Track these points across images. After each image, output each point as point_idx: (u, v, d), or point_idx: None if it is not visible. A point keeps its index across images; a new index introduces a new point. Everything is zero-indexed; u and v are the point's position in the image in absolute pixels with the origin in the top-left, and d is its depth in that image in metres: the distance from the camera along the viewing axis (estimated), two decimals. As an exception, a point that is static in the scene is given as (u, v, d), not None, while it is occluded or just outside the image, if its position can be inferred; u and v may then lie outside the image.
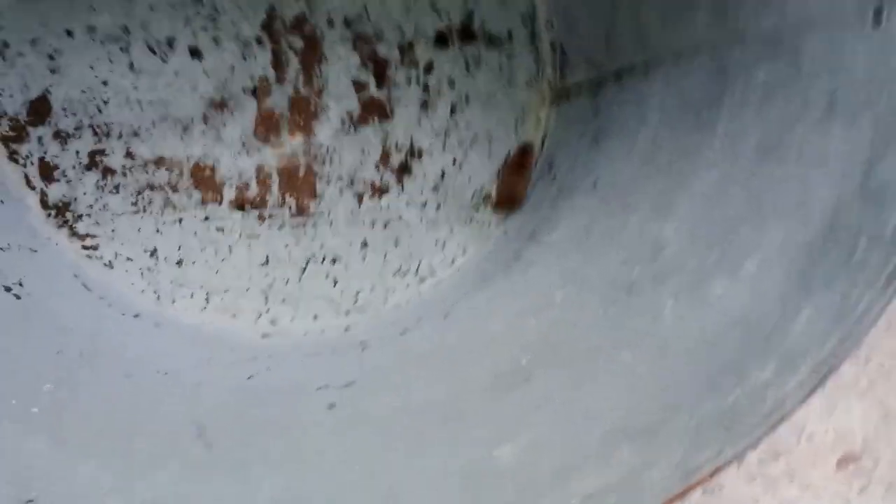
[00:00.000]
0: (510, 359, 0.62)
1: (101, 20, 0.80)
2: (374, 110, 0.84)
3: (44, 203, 0.79)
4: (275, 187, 0.82)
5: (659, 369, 0.54)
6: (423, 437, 0.58)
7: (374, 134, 0.84)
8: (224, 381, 0.71)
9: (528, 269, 0.74)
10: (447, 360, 0.68)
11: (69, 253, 0.79)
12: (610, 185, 0.72)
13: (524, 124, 0.85)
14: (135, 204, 0.80)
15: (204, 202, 0.81)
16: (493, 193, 0.84)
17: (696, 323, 0.55)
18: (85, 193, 0.80)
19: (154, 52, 0.81)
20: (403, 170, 0.84)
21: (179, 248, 0.81)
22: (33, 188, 0.79)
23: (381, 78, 0.84)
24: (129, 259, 0.80)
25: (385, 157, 0.84)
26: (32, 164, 0.79)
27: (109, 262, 0.80)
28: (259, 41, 0.82)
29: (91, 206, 0.80)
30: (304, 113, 0.83)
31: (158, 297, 0.80)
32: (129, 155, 0.80)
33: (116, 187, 0.80)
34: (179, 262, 0.81)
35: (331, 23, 0.83)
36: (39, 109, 0.79)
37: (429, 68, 0.84)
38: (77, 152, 0.80)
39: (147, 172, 0.81)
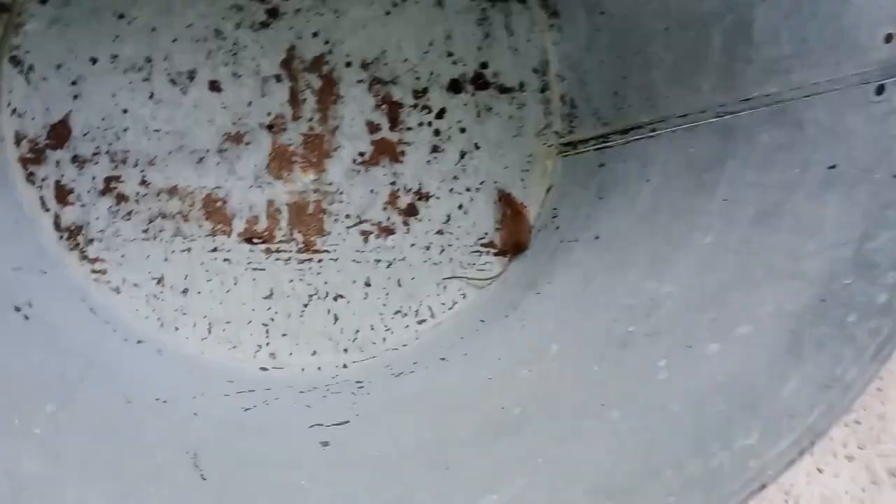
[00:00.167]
0: (501, 408, 0.63)
1: (126, 49, 0.82)
2: (385, 152, 0.85)
3: (57, 225, 0.81)
4: (284, 222, 0.84)
5: (645, 429, 0.54)
6: (410, 481, 0.59)
7: (383, 175, 0.85)
8: (220, 411, 0.71)
9: (525, 319, 0.75)
10: (439, 404, 0.68)
11: (78, 276, 0.80)
12: (610, 240, 0.73)
13: (531, 173, 0.86)
14: (145, 231, 0.82)
15: (213, 233, 0.83)
16: (497, 238, 0.85)
17: (685, 384, 0.55)
18: (97, 218, 0.81)
19: (175, 84, 0.83)
20: (410, 212, 0.85)
21: (186, 276, 0.82)
22: (47, 210, 0.81)
23: (394, 120, 0.85)
24: (135, 285, 0.81)
25: (393, 199, 0.85)
26: (48, 186, 0.81)
27: (117, 287, 0.81)
28: (278, 78, 0.84)
29: (102, 231, 0.81)
30: (317, 150, 0.84)
31: (162, 325, 0.81)
32: (143, 183, 0.82)
33: (129, 214, 0.82)
34: (185, 291, 0.82)
35: (349, 64, 0.85)
36: (59, 133, 0.81)
37: (441, 113, 0.85)
38: (93, 177, 0.81)
39: (160, 201, 0.82)
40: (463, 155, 0.86)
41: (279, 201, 0.84)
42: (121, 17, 0.82)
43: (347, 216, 0.84)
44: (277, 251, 0.83)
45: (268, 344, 0.82)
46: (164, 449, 0.62)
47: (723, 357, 0.55)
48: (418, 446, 0.62)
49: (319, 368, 0.81)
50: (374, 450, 0.63)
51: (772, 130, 0.61)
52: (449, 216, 0.85)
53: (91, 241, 0.81)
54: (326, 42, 0.84)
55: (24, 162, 0.80)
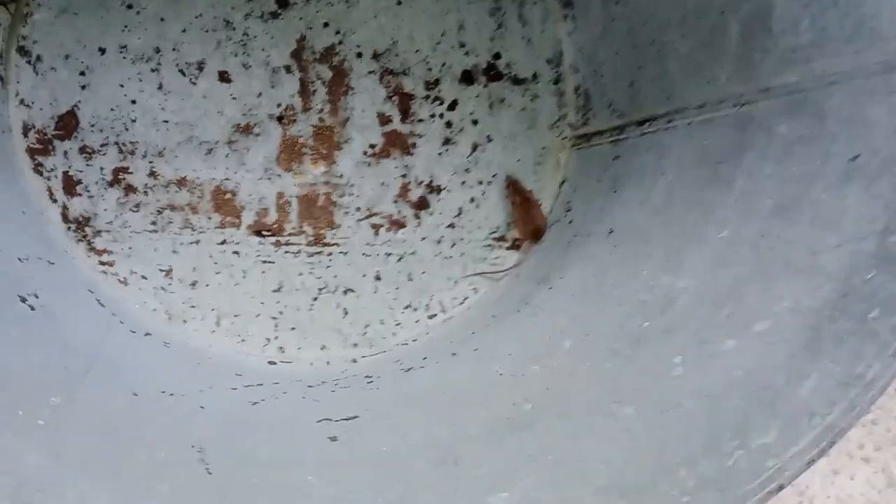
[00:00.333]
0: (512, 404, 0.62)
1: (134, 40, 0.81)
2: (396, 144, 0.84)
3: (64, 217, 0.80)
4: (293, 215, 0.83)
5: (659, 426, 0.53)
6: (419, 478, 0.58)
7: (394, 167, 0.84)
8: (228, 405, 0.71)
9: (538, 314, 0.74)
10: (449, 400, 0.68)
11: (85, 268, 0.80)
12: (624, 234, 0.72)
13: (544, 166, 0.85)
14: (154, 223, 0.81)
15: (222, 225, 0.82)
16: (514, 231, 0.84)
17: (700, 381, 0.54)
18: (105, 210, 0.81)
19: (184, 74, 0.82)
20: (421, 205, 0.84)
21: (194, 269, 0.81)
22: (55, 201, 0.80)
23: (405, 112, 0.84)
24: (143, 277, 0.80)
25: (404, 191, 0.84)
26: (56, 177, 0.80)
27: (124, 279, 0.80)
28: (288, 69, 0.83)
29: (111, 223, 0.81)
30: (327, 142, 0.84)
31: (170, 318, 0.80)
32: (152, 174, 0.81)
33: (137, 205, 0.81)
34: (193, 284, 0.81)
35: (360, 55, 0.84)
36: (67, 124, 0.80)
37: (453, 105, 0.84)
38: (101, 168, 0.81)
39: (168, 192, 0.82)
40: (475, 147, 0.85)
41: (289, 193, 0.83)
42: (129, 7, 0.81)
43: (358, 209, 0.84)
44: (287, 244, 0.83)
45: (276, 338, 0.82)
46: (168, 444, 0.62)
47: (739, 353, 0.54)
48: (427, 442, 0.61)
49: (328, 363, 0.81)
50: (383, 445, 0.62)
51: (791, 121, 0.59)
52: (461, 209, 0.84)
53: (99, 232, 0.80)
54: (337, 32, 0.83)
55: (32, 152, 0.80)
